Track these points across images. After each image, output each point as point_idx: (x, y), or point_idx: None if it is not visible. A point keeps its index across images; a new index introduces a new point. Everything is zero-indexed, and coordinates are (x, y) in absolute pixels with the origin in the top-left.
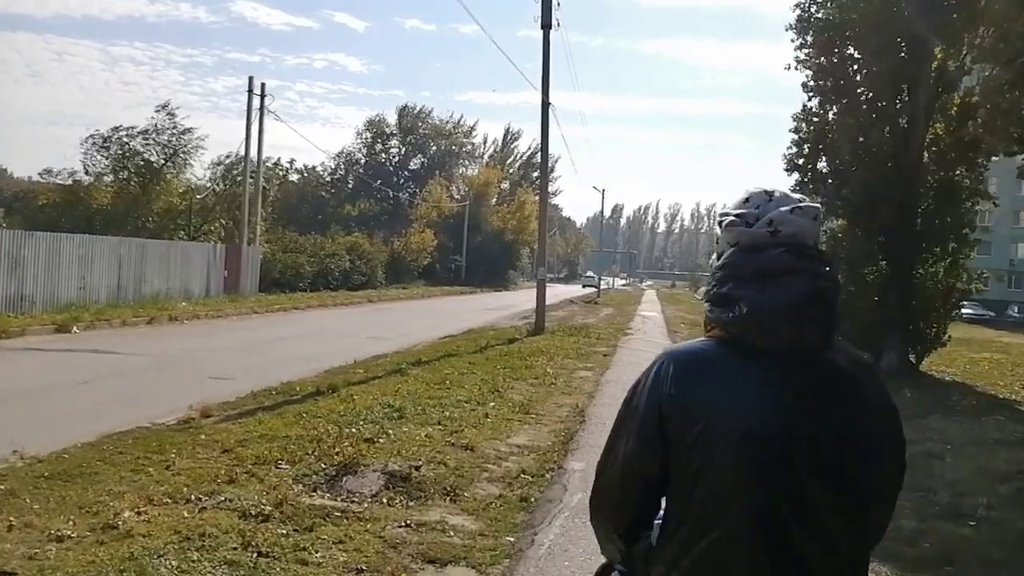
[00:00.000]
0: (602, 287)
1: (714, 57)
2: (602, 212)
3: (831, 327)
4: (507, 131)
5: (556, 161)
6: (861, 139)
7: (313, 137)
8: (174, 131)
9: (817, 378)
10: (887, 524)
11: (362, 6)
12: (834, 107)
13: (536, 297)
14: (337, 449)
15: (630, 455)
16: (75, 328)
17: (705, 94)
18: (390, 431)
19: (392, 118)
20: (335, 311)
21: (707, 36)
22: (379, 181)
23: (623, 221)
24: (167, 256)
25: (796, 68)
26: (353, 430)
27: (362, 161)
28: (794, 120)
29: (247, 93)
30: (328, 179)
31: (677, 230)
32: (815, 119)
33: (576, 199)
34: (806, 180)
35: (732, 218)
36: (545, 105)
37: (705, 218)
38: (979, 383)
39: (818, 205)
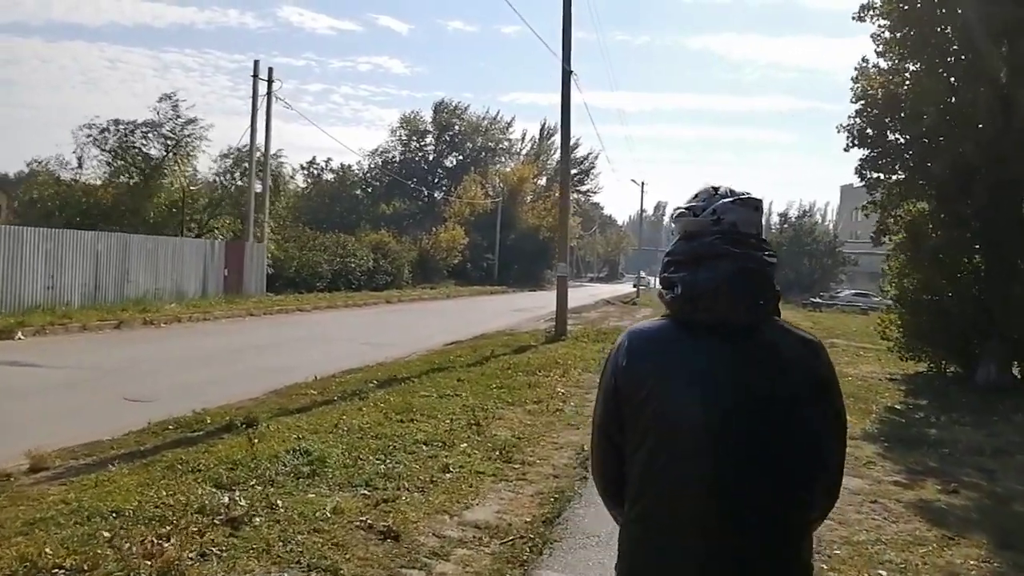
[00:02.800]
0: (642, 287)
1: (757, 52)
2: (641, 207)
3: (757, 304)
4: (543, 126)
5: (595, 157)
6: (951, 100)
7: (358, 140)
8: (176, 121)
9: (744, 351)
10: (833, 492)
11: (405, 8)
12: (913, 63)
13: (557, 297)
14: (170, 543)
15: (599, 423)
16: (19, 334)
17: (748, 90)
18: (281, 501)
19: (428, 115)
20: (345, 312)
21: (750, 31)
22: (413, 180)
23: (666, 219)
24: (155, 253)
25: (866, 17)
26: (226, 499)
27: (397, 159)
28: (856, 82)
29: (252, 78)
30: (362, 177)
31: None
32: (890, 79)
33: (617, 198)
34: (876, 155)
35: (682, 210)
36: (566, 73)
37: None
38: None
39: (759, 197)
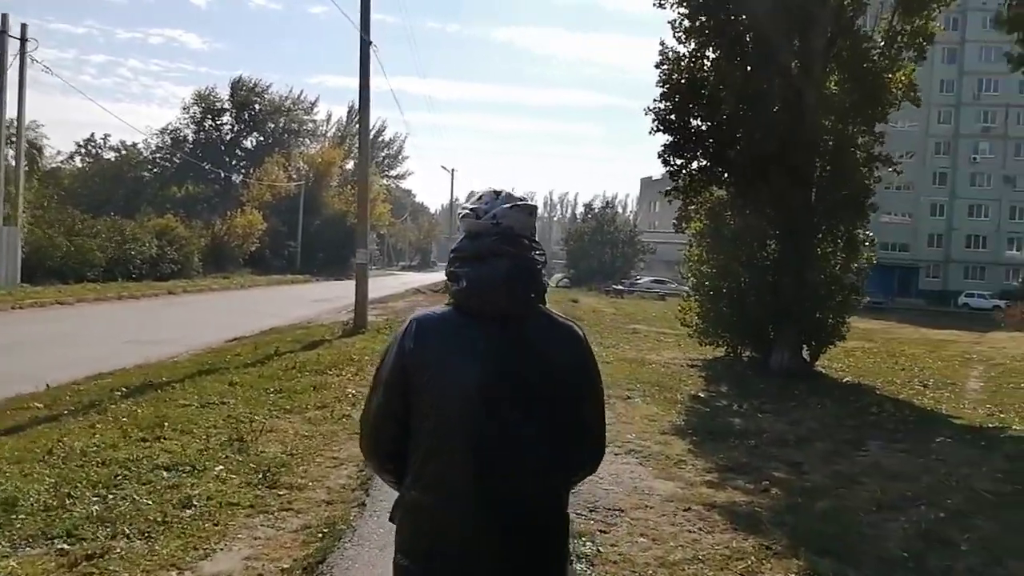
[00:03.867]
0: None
1: (564, 47)
2: (452, 194)
3: (528, 296)
4: (351, 108)
5: (403, 141)
6: (747, 88)
7: (150, 119)
8: None
9: (517, 336)
10: (594, 450)
11: None
12: (712, 51)
13: (356, 286)
14: None
15: (382, 402)
16: None
17: (556, 84)
18: None
19: (225, 92)
20: (117, 306)
21: (555, 25)
22: (208, 162)
23: None
24: None
25: (665, 4)
26: None
27: (190, 139)
28: (661, 68)
29: None
30: (149, 158)
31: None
32: (692, 65)
33: (429, 186)
34: (679, 141)
35: (467, 212)
36: (365, 44)
37: (558, 206)
38: (876, 382)
39: (534, 203)
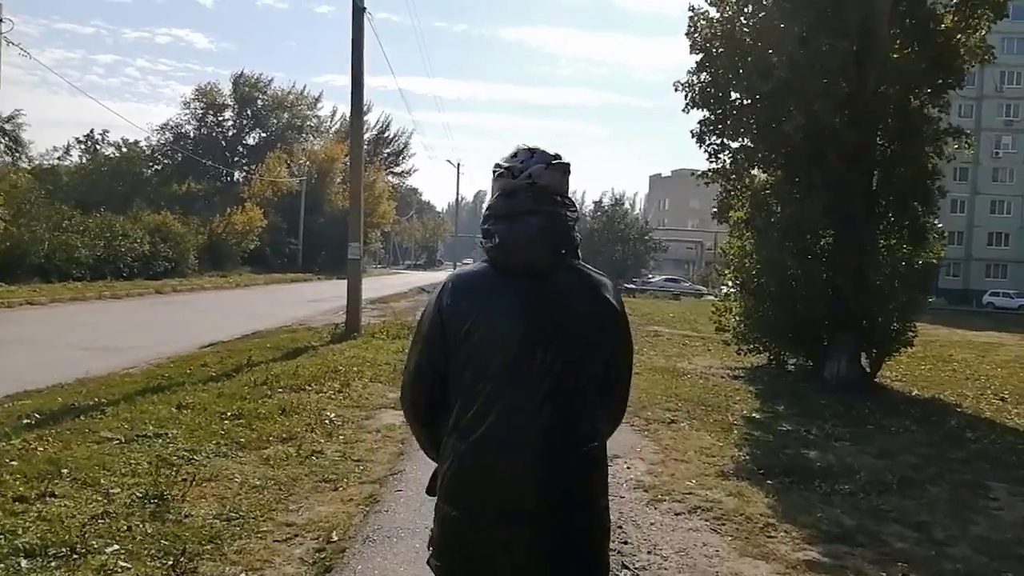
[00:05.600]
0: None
1: (573, 47)
2: (457, 189)
3: (559, 252)
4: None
5: (408, 137)
6: (802, 53)
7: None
8: None
9: (549, 289)
10: (621, 401)
11: None
12: (754, 10)
13: (348, 285)
14: None
15: (421, 355)
16: None
17: (563, 83)
18: None
19: (226, 87)
20: (96, 306)
21: (565, 25)
22: (209, 158)
23: (484, 206)
24: None
25: None
26: None
27: (191, 135)
28: (692, 36)
29: None
30: (150, 154)
31: None
32: (730, 29)
33: (436, 184)
34: (718, 117)
35: (502, 170)
36: (358, 11)
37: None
38: (946, 395)
39: (567, 162)
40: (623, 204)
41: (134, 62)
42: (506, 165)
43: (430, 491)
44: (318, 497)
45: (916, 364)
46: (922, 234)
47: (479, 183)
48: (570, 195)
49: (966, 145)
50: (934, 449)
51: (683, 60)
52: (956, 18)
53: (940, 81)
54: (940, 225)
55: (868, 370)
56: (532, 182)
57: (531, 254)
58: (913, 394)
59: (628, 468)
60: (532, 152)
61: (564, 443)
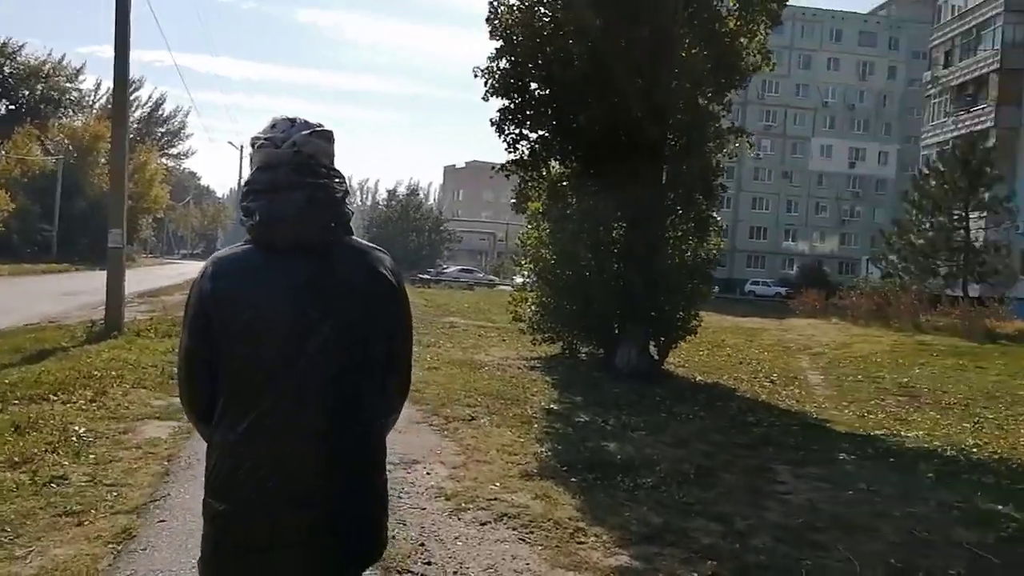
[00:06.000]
0: None
1: (368, 33)
2: (240, 173)
3: (329, 227)
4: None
5: (185, 115)
6: (605, 42)
7: None
8: None
9: (320, 268)
10: (404, 388)
11: None
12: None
13: (108, 276)
14: None
15: (188, 346)
16: None
17: (359, 68)
18: None
19: None
20: None
21: (360, 10)
22: None
23: None
24: None
25: None
26: None
27: None
28: (493, 23)
29: None
30: None
31: None
32: (530, 18)
33: (217, 169)
34: (519, 105)
35: (262, 141)
36: None
37: (358, 192)
38: (725, 379)
39: (330, 129)
40: (418, 194)
41: None
42: (267, 136)
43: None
44: (56, 536)
45: (695, 350)
46: (706, 227)
47: None
48: (336, 166)
49: (748, 144)
50: (722, 435)
51: (483, 51)
52: (739, 22)
53: (723, 81)
54: (719, 219)
55: (656, 358)
56: (298, 150)
57: (298, 230)
58: (697, 380)
59: (428, 474)
60: (292, 121)
61: (342, 427)
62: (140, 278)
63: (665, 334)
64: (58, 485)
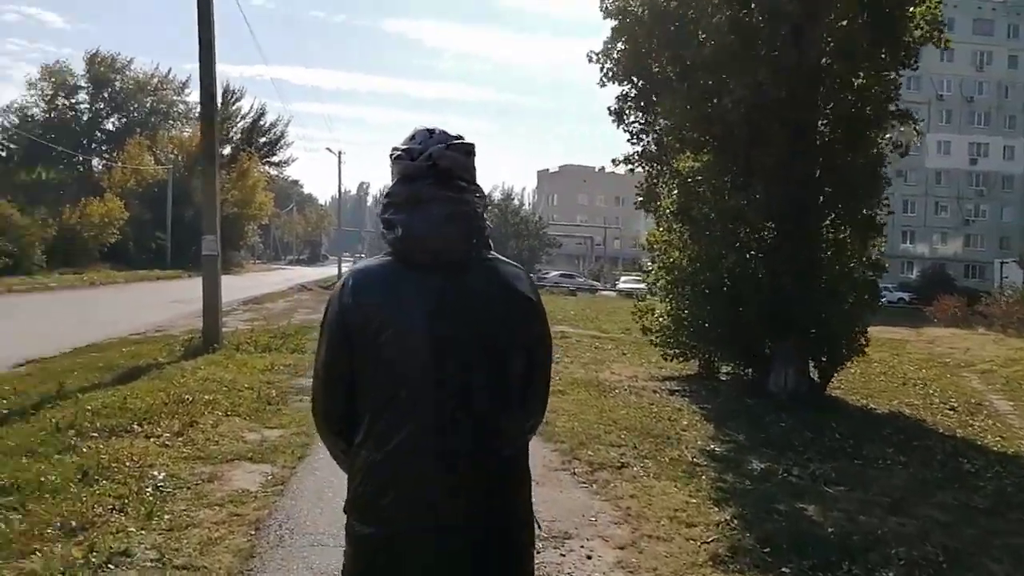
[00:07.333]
0: (345, 269)
1: (454, 41)
2: (340, 179)
3: (469, 243)
4: (226, 89)
5: (286, 125)
6: (743, 15)
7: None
8: None
9: (460, 284)
10: (542, 399)
11: None
12: None
13: (204, 288)
14: None
15: (326, 359)
16: None
17: (445, 77)
18: None
19: (79, 67)
20: None
21: (448, 19)
22: (60, 146)
23: (369, 199)
24: None
25: None
26: None
27: (39, 118)
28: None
29: None
30: None
31: None
32: None
33: (319, 177)
34: (641, 91)
35: (400, 152)
36: None
37: None
38: (900, 407)
39: (471, 142)
40: (512, 199)
41: None
42: (404, 147)
43: (346, 508)
44: None
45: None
46: (873, 227)
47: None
48: (476, 179)
49: (915, 131)
50: (947, 493)
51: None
52: None
53: (884, 56)
54: (884, 219)
55: (817, 380)
56: (432, 163)
57: (438, 244)
58: (870, 408)
59: (589, 559)
60: (431, 132)
61: (487, 448)
62: (246, 284)
63: (827, 353)
64: (117, 566)
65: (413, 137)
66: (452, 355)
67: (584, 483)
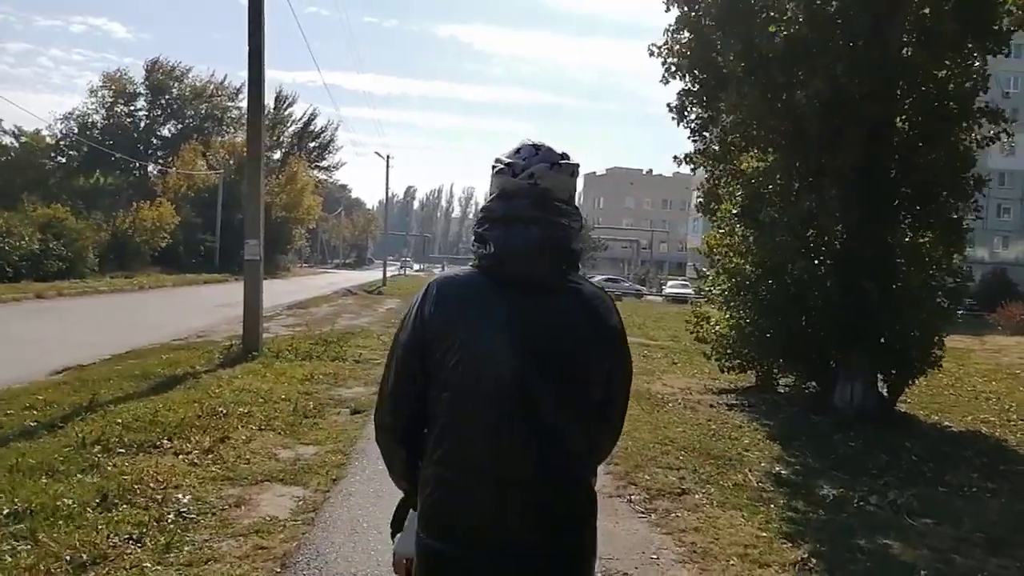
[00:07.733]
0: (391, 273)
1: (504, 45)
2: (387, 182)
3: (559, 267)
4: (278, 95)
5: (335, 130)
6: (817, 3)
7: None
8: None
9: (545, 307)
10: (617, 428)
11: None
12: None
13: (245, 294)
14: None
15: (400, 371)
16: None
17: (495, 81)
18: None
19: (138, 75)
20: None
21: (497, 23)
22: (117, 152)
23: (416, 204)
24: None
25: None
26: None
27: (99, 125)
28: None
29: None
30: (54, 144)
31: (472, 215)
32: None
33: (366, 182)
34: (704, 84)
35: (502, 166)
36: None
37: None
38: (974, 424)
39: (576, 162)
40: None
41: (47, 51)
42: (507, 161)
43: (395, 526)
44: None
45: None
46: (957, 231)
47: (410, 179)
48: (575, 201)
49: (1006, 132)
50: None
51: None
52: None
53: (972, 45)
54: (973, 223)
55: (887, 395)
56: (535, 183)
57: (528, 267)
58: (944, 425)
59: None
60: (537, 149)
61: (561, 474)
62: (292, 288)
63: (898, 366)
64: None
65: (518, 151)
66: (531, 377)
67: (642, 513)
